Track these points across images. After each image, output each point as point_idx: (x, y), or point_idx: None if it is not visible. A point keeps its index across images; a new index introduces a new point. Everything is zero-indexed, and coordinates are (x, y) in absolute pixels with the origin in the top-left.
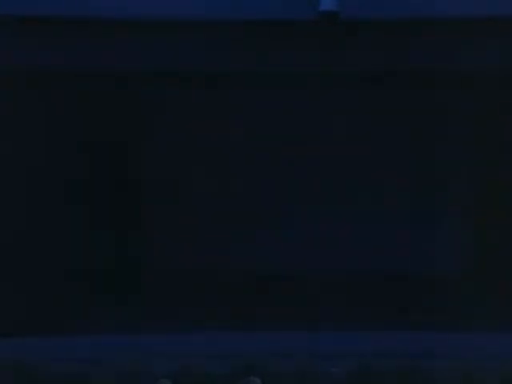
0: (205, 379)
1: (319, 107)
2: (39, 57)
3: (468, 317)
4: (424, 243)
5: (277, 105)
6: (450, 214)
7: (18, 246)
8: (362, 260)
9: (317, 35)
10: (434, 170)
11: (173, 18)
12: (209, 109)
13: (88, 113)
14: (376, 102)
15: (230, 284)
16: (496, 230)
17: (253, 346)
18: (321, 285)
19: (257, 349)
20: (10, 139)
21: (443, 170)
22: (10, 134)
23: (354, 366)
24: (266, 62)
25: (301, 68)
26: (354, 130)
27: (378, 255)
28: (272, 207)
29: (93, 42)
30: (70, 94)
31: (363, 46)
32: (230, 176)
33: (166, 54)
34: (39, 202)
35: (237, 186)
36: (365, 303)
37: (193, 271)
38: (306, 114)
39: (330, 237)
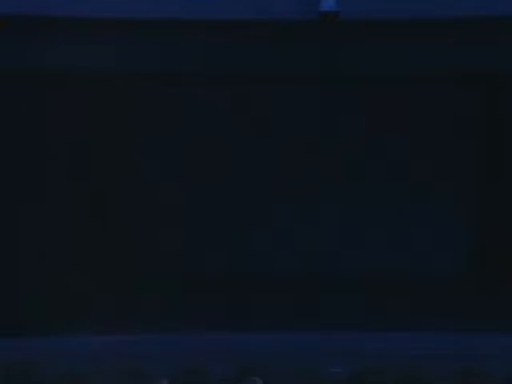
0: (204, 379)
1: (319, 106)
2: (39, 56)
3: (468, 317)
4: (424, 244)
5: (277, 104)
6: (450, 214)
7: (18, 247)
8: (361, 260)
9: (316, 35)
10: (433, 169)
11: (173, 18)
12: (208, 108)
13: (88, 111)
14: (376, 101)
15: (229, 285)
16: (497, 230)
17: (253, 346)
18: (320, 285)
19: (257, 349)
20: (9, 138)
21: (443, 169)
22: (9, 133)
23: (354, 366)
24: (267, 62)
25: (301, 68)
26: (354, 129)
27: (379, 256)
28: (269, 209)
29: (93, 42)
30: (70, 94)
31: (363, 46)
32: (228, 174)
33: (167, 54)
34: (39, 201)
35: (235, 184)
36: (365, 303)
37: (192, 272)
38: (305, 113)
39: (330, 238)
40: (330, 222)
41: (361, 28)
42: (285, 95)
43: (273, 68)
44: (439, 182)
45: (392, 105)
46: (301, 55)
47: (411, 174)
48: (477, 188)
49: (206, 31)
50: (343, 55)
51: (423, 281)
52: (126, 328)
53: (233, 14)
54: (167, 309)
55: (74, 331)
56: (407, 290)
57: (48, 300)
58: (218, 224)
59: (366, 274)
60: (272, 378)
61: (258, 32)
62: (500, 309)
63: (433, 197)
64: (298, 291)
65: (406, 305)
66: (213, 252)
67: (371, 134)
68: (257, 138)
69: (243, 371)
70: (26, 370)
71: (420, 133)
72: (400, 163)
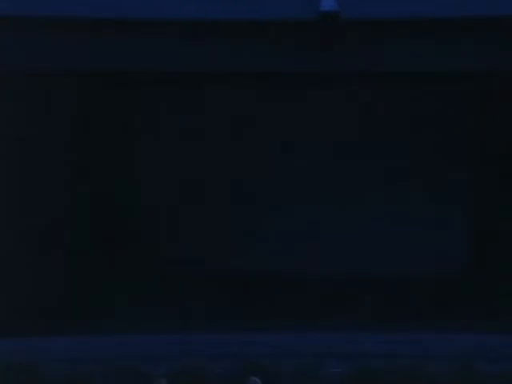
0: (204, 379)
1: (319, 106)
2: (39, 57)
3: (468, 317)
4: (424, 243)
5: (277, 104)
6: (449, 213)
7: (18, 247)
8: (361, 260)
9: (317, 35)
10: (433, 169)
11: (174, 18)
12: (209, 108)
13: (88, 112)
14: (376, 101)
15: (229, 284)
16: (496, 229)
17: (253, 346)
18: (320, 285)
19: (257, 349)
20: (9, 138)
21: (443, 169)
22: (9, 133)
23: (354, 366)
24: (267, 62)
25: (301, 67)
26: (353, 128)
27: (378, 256)
28: (272, 208)
29: (94, 42)
30: (70, 94)
31: (363, 46)
32: (230, 175)
33: (168, 54)
34: (39, 201)
35: (237, 185)
36: (365, 303)
37: (192, 272)
38: (306, 113)
39: (330, 238)
40: (328, 223)
41: (361, 27)
42: (285, 95)
43: (273, 68)
44: (439, 182)
45: (392, 104)
46: (301, 55)
47: (411, 175)
48: (477, 187)
49: (206, 31)
50: (343, 54)
51: (423, 281)
52: (126, 328)
53: (232, 13)
54: (167, 309)
55: (74, 331)
56: (407, 290)
57: (49, 301)
58: (213, 223)
59: (365, 274)
60: (272, 377)
61: (258, 32)
62: (500, 309)
63: (433, 196)
64: (297, 291)
65: (405, 304)
66: (212, 252)
67: (371, 132)
68: (257, 138)
69: (243, 371)
70: (26, 370)
71: (420, 131)
72: (399, 162)
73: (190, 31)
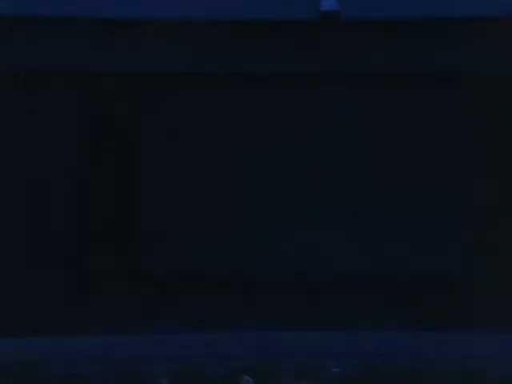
0: (204, 379)
1: (319, 107)
2: (39, 57)
3: (468, 317)
4: (424, 243)
5: (278, 105)
6: (449, 213)
7: (17, 247)
8: (362, 260)
9: (317, 35)
10: (434, 169)
11: (173, 18)
12: (209, 109)
13: (88, 112)
14: (375, 102)
15: (229, 285)
16: (496, 230)
17: (253, 346)
18: (320, 285)
19: (257, 349)
20: (9, 138)
21: (443, 169)
22: (8, 133)
23: (354, 366)
24: (267, 62)
25: (301, 68)
26: (354, 129)
27: (379, 255)
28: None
29: (93, 42)
30: (70, 94)
31: (363, 46)
32: (228, 176)
33: (167, 54)
34: (38, 201)
35: (236, 186)
36: (365, 303)
37: (192, 272)
38: (306, 114)
39: (331, 237)
40: (326, 222)
41: (362, 27)
42: (285, 95)
43: (272, 68)
44: (438, 181)
45: (393, 103)
46: (301, 55)
47: (410, 173)
48: (474, 187)
49: (206, 31)
50: (343, 54)
51: (422, 280)
52: (126, 328)
53: (232, 13)
54: (167, 309)
55: (74, 331)
56: (406, 290)
57: (48, 300)
58: (216, 223)
59: (365, 273)
60: (272, 377)
61: (258, 32)
62: (498, 308)
63: (431, 196)
64: (297, 290)
65: (405, 304)
66: (212, 251)
67: (372, 132)
68: (257, 141)
69: (243, 371)
70: (26, 370)
71: (419, 131)
72: (398, 162)
73: (189, 31)
